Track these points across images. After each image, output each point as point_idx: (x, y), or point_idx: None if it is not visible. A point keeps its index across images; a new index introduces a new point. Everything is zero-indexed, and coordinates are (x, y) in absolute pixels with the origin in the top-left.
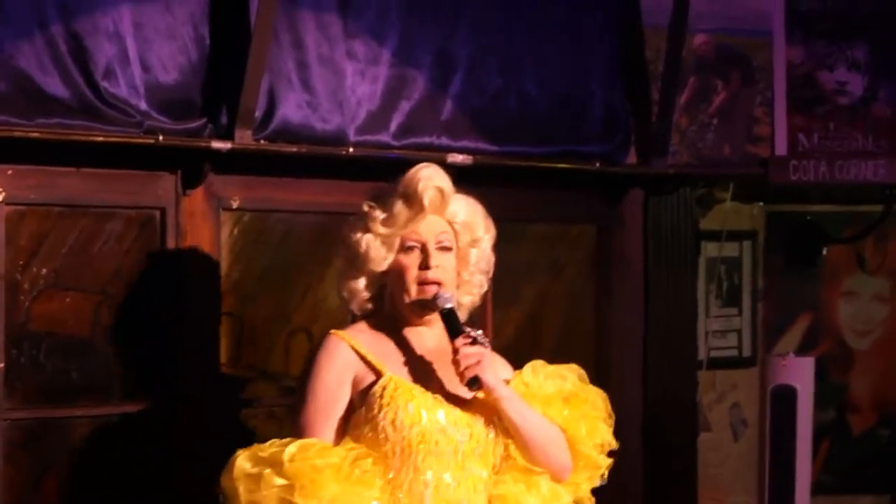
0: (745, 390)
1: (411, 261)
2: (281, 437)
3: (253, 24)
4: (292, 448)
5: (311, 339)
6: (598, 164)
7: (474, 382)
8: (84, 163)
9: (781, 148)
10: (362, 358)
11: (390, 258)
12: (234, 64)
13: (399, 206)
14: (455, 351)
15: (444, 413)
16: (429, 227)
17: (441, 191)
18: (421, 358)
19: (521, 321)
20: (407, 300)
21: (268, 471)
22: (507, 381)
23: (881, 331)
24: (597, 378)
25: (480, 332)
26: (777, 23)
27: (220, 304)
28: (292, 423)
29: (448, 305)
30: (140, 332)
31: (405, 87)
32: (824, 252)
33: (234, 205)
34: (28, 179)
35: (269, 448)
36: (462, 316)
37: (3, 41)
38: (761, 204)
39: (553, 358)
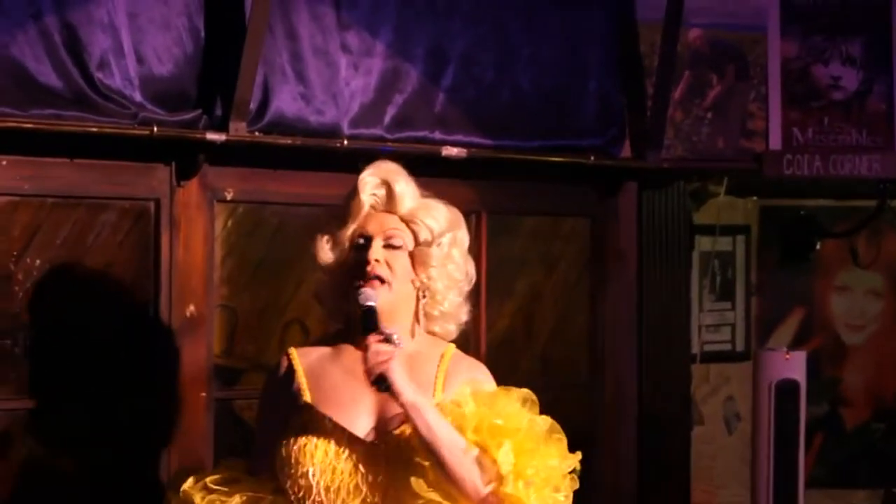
0: (739, 384)
1: (359, 258)
2: None
3: (248, 16)
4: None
5: (305, 331)
6: (592, 158)
7: (381, 382)
8: (78, 154)
9: (775, 142)
10: (298, 377)
11: (338, 256)
12: (228, 55)
13: (348, 203)
14: (365, 348)
15: (349, 452)
16: (377, 223)
17: (388, 186)
18: (354, 379)
19: (515, 314)
20: (351, 300)
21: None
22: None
23: (875, 325)
24: (591, 371)
25: (396, 333)
26: (772, 17)
27: (214, 295)
28: None
29: (369, 303)
30: (133, 325)
31: (399, 79)
32: (818, 246)
33: (229, 196)
34: (22, 170)
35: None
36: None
37: None
38: (755, 198)
39: (547, 351)
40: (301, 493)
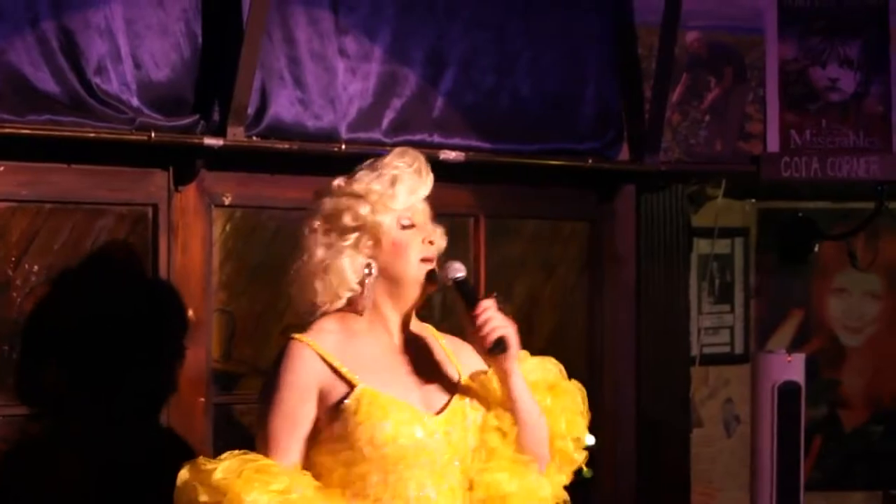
0: (738, 386)
1: (411, 236)
2: None
3: (245, 21)
4: (228, 463)
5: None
6: (590, 161)
7: (500, 344)
8: (76, 159)
9: (773, 145)
10: (330, 366)
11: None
12: (226, 60)
13: (402, 182)
14: (475, 316)
15: (420, 427)
16: (423, 205)
17: (426, 175)
18: (394, 358)
19: (514, 317)
20: (410, 278)
21: (194, 484)
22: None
23: (873, 327)
24: (589, 374)
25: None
26: (769, 20)
27: (212, 300)
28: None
29: (460, 275)
30: (131, 329)
31: (397, 84)
32: (816, 249)
33: (227, 201)
34: (19, 176)
35: (208, 463)
36: None
37: None
38: (753, 200)
39: (546, 354)
40: (375, 470)
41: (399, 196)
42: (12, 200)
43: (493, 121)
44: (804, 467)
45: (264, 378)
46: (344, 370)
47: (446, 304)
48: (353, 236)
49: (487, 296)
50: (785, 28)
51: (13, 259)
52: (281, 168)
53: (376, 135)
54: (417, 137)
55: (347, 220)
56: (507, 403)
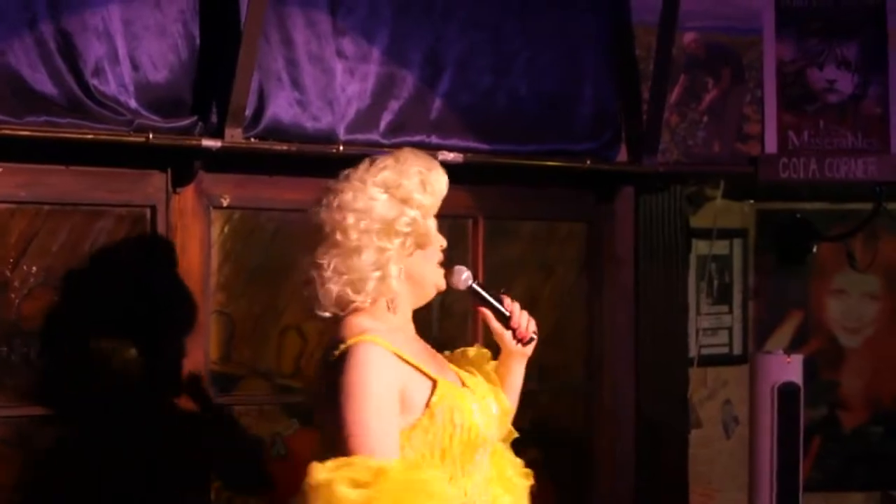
0: (737, 387)
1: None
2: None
3: (243, 22)
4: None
5: (302, 337)
6: (588, 162)
7: (532, 338)
8: (74, 161)
9: (771, 146)
10: (408, 363)
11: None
12: (224, 62)
13: (433, 185)
14: (509, 316)
15: (482, 412)
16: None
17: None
18: (424, 351)
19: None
20: (430, 282)
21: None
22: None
23: (872, 328)
24: (588, 375)
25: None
26: (767, 21)
27: (211, 301)
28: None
29: (472, 281)
30: (130, 331)
31: (395, 85)
32: (814, 250)
33: (225, 203)
34: (17, 177)
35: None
36: None
37: None
38: (751, 201)
39: (545, 356)
40: (464, 447)
41: (432, 200)
42: (10, 202)
43: (490, 122)
44: (803, 468)
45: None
46: (423, 367)
47: (444, 305)
48: (398, 241)
49: (501, 293)
50: (782, 29)
51: (11, 260)
52: (279, 169)
53: (374, 136)
54: (415, 139)
55: (401, 225)
56: (510, 386)
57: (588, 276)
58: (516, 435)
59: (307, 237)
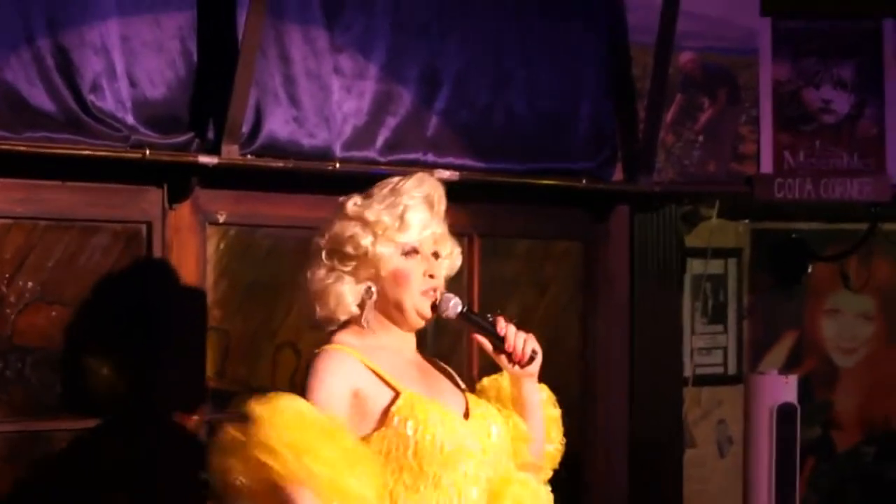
0: (731, 407)
1: (413, 266)
2: None
3: (240, 39)
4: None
5: (297, 354)
6: (584, 181)
7: (534, 355)
8: (70, 176)
9: (767, 165)
10: (373, 372)
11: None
12: (221, 78)
13: (413, 214)
14: (503, 338)
15: (462, 427)
16: (430, 240)
17: (436, 204)
18: (416, 368)
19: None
20: (410, 308)
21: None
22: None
23: (866, 348)
24: (582, 394)
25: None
26: (763, 41)
27: (206, 318)
28: None
29: (461, 308)
30: (125, 347)
31: (391, 102)
32: (809, 270)
33: (221, 219)
34: (14, 193)
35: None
36: None
37: None
38: (746, 221)
39: (539, 375)
40: (426, 459)
41: (407, 230)
42: (7, 217)
43: (487, 140)
44: (798, 488)
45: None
46: (387, 376)
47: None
48: (352, 264)
49: (495, 316)
50: (778, 49)
51: (7, 276)
52: (275, 186)
53: (371, 153)
54: (411, 156)
55: (349, 248)
56: (522, 408)
57: (583, 294)
58: (539, 464)
59: None
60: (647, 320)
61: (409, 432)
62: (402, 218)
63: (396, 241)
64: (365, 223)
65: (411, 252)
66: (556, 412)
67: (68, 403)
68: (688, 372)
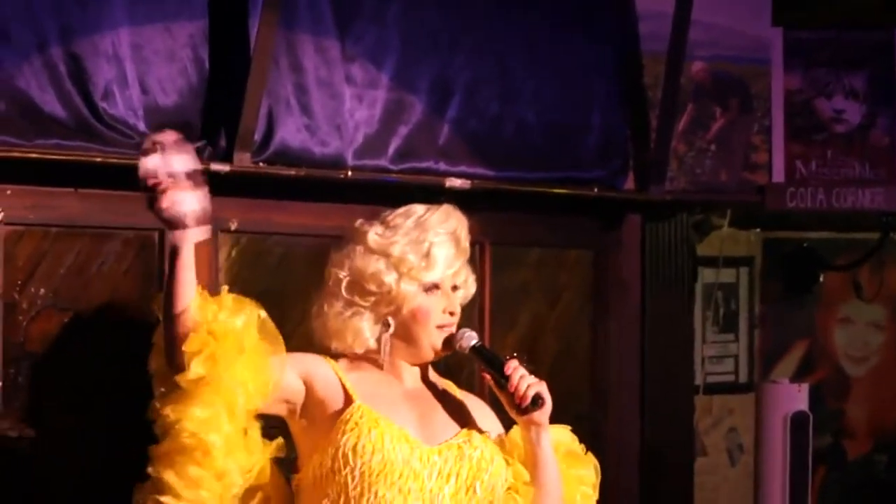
0: (742, 416)
1: (434, 303)
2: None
3: (252, 48)
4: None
5: None
6: (595, 190)
7: (536, 402)
8: (82, 183)
9: (779, 175)
10: (339, 379)
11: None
12: (233, 87)
13: (439, 251)
14: (508, 377)
15: (410, 448)
16: (453, 270)
17: (461, 241)
18: (400, 399)
19: (518, 345)
20: (426, 343)
21: None
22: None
23: (877, 357)
24: (593, 402)
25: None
26: (775, 50)
27: None
28: None
29: (475, 342)
30: (137, 354)
31: (403, 111)
32: (821, 279)
33: (233, 227)
34: (26, 200)
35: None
36: None
37: (2, 61)
38: (758, 230)
39: (550, 383)
40: (367, 480)
41: (432, 268)
42: (19, 224)
43: (498, 149)
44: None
45: None
46: (349, 385)
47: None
48: (372, 299)
49: (510, 356)
50: (790, 59)
51: (19, 283)
52: (287, 194)
53: (382, 162)
54: (423, 165)
55: (372, 285)
56: (531, 459)
57: (594, 303)
58: None
59: None
60: (658, 329)
61: (340, 436)
62: (427, 256)
63: (421, 281)
64: (388, 259)
65: (432, 288)
66: (585, 475)
67: (80, 411)
68: (699, 380)
